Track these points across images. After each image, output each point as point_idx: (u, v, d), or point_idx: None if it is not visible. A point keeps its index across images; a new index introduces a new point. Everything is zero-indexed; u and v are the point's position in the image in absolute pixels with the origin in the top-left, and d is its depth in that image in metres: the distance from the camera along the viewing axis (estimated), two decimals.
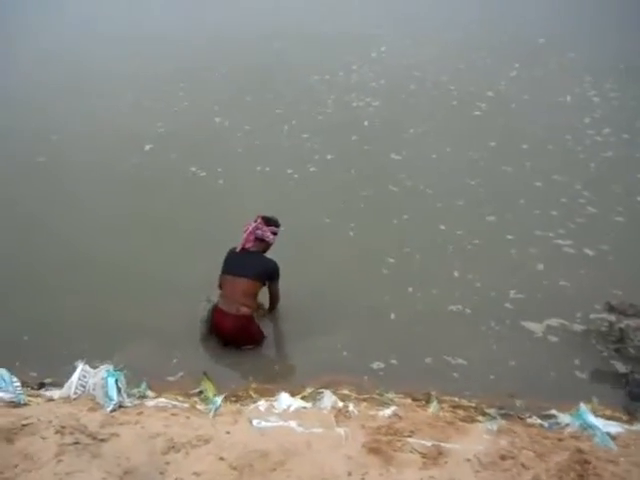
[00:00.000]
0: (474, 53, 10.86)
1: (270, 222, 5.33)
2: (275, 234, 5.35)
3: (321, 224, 6.78)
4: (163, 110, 9.39)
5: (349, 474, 3.30)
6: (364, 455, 3.56)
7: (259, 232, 5.28)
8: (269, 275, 5.29)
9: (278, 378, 5.01)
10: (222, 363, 5.19)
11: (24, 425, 3.46)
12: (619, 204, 6.80)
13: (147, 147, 8.41)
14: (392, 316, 5.53)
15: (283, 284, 5.38)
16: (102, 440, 3.40)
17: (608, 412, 4.40)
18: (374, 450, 3.59)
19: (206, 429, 3.66)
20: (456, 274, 5.99)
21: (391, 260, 6.20)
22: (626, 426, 4.14)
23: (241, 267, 5.24)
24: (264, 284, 5.32)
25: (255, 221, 5.31)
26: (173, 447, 3.42)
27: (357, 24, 12.40)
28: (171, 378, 4.96)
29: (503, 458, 3.51)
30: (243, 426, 3.79)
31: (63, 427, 3.43)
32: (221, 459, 3.30)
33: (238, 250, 5.34)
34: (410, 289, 5.82)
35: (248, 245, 5.30)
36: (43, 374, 4.83)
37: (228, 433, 3.62)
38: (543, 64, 10.34)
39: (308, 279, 5.82)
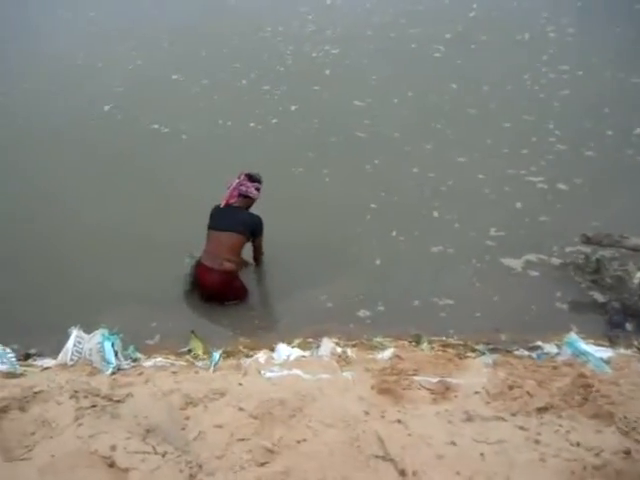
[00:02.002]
0: None
1: (253, 178, 5.33)
2: (258, 190, 5.34)
3: (295, 174, 6.77)
4: (118, 70, 9.09)
5: (367, 413, 3.35)
6: (375, 395, 3.62)
7: (243, 188, 5.26)
8: (253, 229, 5.27)
9: (265, 332, 5.04)
10: (208, 320, 5.20)
11: (36, 393, 3.38)
12: (588, 139, 6.95)
13: (106, 107, 8.17)
14: (377, 262, 5.59)
15: (265, 237, 5.36)
16: (118, 401, 3.36)
17: (591, 340, 4.54)
18: (384, 390, 3.65)
19: (219, 382, 3.65)
20: (436, 214, 6.08)
21: (373, 205, 6.23)
22: (615, 351, 4.30)
23: (226, 222, 5.21)
24: (248, 239, 5.30)
25: (238, 178, 5.29)
26: (190, 402, 3.41)
27: None
28: (157, 338, 4.93)
29: (510, 388, 3.61)
30: (253, 377, 3.81)
31: (76, 391, 3.38)
32: (240, 409, 3.30)
33: (222, 206, 5.29)
34: (394, 233, 5.87)
35: (232, 201, 5.28)
36: (23, 345, 4.73)
37: (241, 385, 3.62)
38: (502, 3, 10.33)
39: (289, 231, 5.81)
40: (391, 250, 5.70)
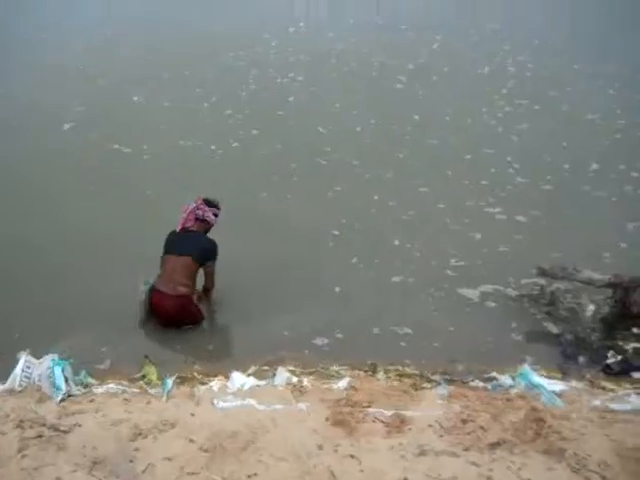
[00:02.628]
0: (395, 26, 10.92)
1: (211, 203, 5.28)
2: (216, 215, 5.29)
3: (258, 198, 6.74)
4: (78, 89, 8.97)
5: (320, 447, 3.31)
6: (329, 428, 3.59)
7: (199, 212, 5.21)
8: (208, 254, 5.18)
9: (220, 358, 4.97)
10: (162, 346, 5.09)
11: None
12: (546, 173, 7.09)
13: (66, 126, 8.04)
14: (337, 289, 5.58)
15: (223, 261, 5.27)
16: (65, 431, 3.27)
17: (544, 372, 4.58)
18: (338, 422, 3.63)
19: (170, 412, 3.59)
20: (396, 242, 6.11)
21: (334, 232, 6.25)
22: (567, 384, 4.35)
23: (182, 246, 5.15)
24: (202, 264, 5.20)
25: (195, 202, 5.24)
26: (140, 433, 3.34)
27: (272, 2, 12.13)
28: (110, 364, 4.80)
29: (464, 422, 3.62)
30: (206, 407, 3.74)
31: (22, 421, 3.27)
32: (191, 441, 3.25)
33: (178, 230, 5.23)
34: (354, 259, 5.89)
35: (188, 224, 5.22)
36: None
37: (193, 415, 3.57)
38: (464, 37, 10.51)
39: (249, 255, 5.77)
40: (352, 277, 5.70)
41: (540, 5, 11.57)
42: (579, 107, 8.32)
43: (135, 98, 8.78)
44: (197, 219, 5.22)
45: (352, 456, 3.24)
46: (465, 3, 11.78)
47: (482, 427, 3.58)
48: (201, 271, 5.25)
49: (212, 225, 5.30)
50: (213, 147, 7.66)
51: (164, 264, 5.17)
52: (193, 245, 5.14)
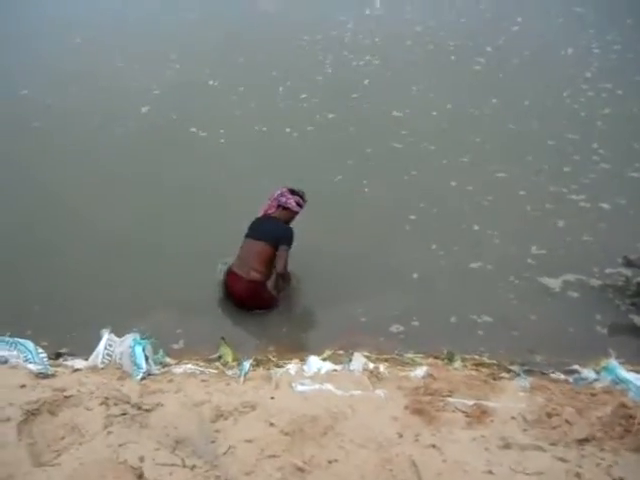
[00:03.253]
0: (474, 7, 10.62)
1: (295, 192, 5.32)
2: (300, 205, 5.32)
3: (334, 182, 6.70)
4: (156, 74, 9.05)
5: (400, 435, 3.27)
6: (409, 416, 3.54)
7: (283, 199, 5.26)
8: (281, 239, 5.13)
9: (295, 342, 4.99)
10: (238, 327, 5.15)
11: (66, 397, 3.36)
12: (633, 160, 6.81)
13: (144, 109, 8.16)
14: (415, 275, 5.51)
15: (301, 246, 5.26)
16: (148, 410, 3.32)
17: (630, 366, 4.40)
18: (418, 411, 3.58)
19: (250, 395, 3.60)
20: (476, 228, 6.00)
21: (412, 217, 6.17)
22: None
23: (260, 231, 5.20)
24: (276, 248, 5.17)
25: (280, 189, 5.32)
26: (221, 415, 3.37)
27: None
28: (187, 344, 4.88)
29: (549, 415, 3.51)
30: (285, 391, 3.74)
31: (107, 398, 3.35)
32: (271, 425, 3.25)
33: (260, 216, 5.31)
34: (433, 246, 5.81)
35: (271, 211, 5.30)
36: (55, 344, 4.68)
37: (273, 398, 3.57)
38: (547, 19, 10.16)
39: (326, 240, 5.75)
40: (430, 263, 5.61)
41: None
42: None
43: (211, 82, 8.82)
44: (279, 206, 5.27)
45: (434, 446, 3.19)
46: None
47: (568, 421, 3.46)
48: None
49: (295, 214, 5.33)
50: (288, 130, 7.63)
51: (242, 246, 5.22)
52: (269, 230, 5.18)
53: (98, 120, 7.93)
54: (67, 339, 4.76)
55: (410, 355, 4.62)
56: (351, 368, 4.25)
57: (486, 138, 7.31)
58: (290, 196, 5.28)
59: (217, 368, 4.41)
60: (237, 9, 11.17)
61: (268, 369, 4.32)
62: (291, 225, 5.30)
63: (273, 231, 5.18)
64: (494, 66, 8.89)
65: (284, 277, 5.31)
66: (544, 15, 10.33)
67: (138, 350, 4.21)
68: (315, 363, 4.31)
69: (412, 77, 8.67)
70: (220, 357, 4.64)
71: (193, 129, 7.68)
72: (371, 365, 4.26)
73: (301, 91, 8.48)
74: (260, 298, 5.24)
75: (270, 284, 5.29)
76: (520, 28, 9.93)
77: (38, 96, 8.46)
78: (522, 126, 7.51)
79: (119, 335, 4.38)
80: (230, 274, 5.22)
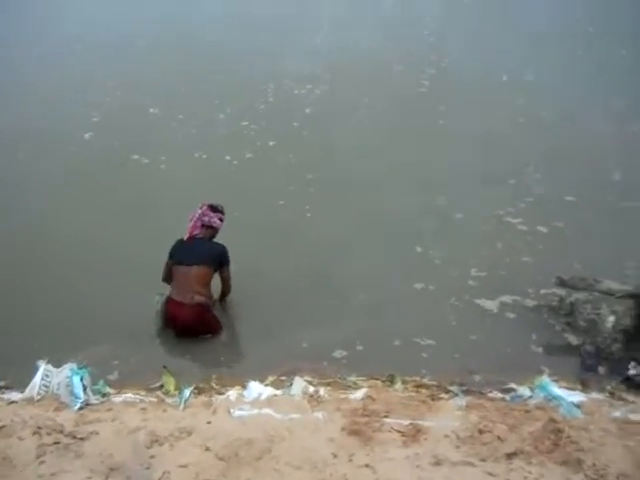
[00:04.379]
0: (418, 32, 10.92)
1: (216, 209, 5.31)
2: (221, 220, 5.33)
3: (276, 207, 6.77)
4: (96, 101, 9.07)
5: (335, 456, 3.31)
6: (345, 437, 3.58)
7: (206, 219, 5.25)
8: (219, 260, 5.22)
9: (238, 368, 4.98)
10: (180, 356, 5.12)
11: None
12: (569, 184, 7.02)
13: (87, 135, 8.11)
14: (359, 298, 5.58)
15: (244, 271, 5.32)
16: (82, 439, 3.30)
17: (563, 383, 4.53)
18: (354, 432, 3.62)
19: (186, 421, 3.60)
20: (419, 250, 6.12)
21: (354, 240, 6.27)
22: (587, 395, 4.30)
23: (193, 255, 5.17)
24: (216, 270, 5.24)
25: (200, 208, 5.28)
26: (156, 441, 3.36)
27: (293, 11, 12.13)
28: (128, 373, 4.82)
29: (481, 432, 3.59)
30: (222, 416, 3.75)
31: (40, 427, 3.31)
32: (207, 450, 3.26)
33: (186, 239, 5.27)
34: (377, 269, 5.91)
35: (196, 232, 5.26)
36: None
37: (209, 423, 3.58)
38: (487, 43, 10.49)
39: (269, 264, 5.80)
40: (374, 287, 5.69)
41: None
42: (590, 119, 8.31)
43: (151, 110, 8.86)
44: (204, 225, 5.27)
45: (367, 465, 3.24)
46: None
47: (499, 437, 3.55)
48: (216, 277, 5.29)
49: (218, 230, 5.35)
50: (228, 158, 7.70)
51: (177, 275, 5.20)
52: (205, 253, 5.19)
53: (41, 145, 7.89)
54: (3, 372, 4.66)
55: (352, 378, 4.67)
56: (292, 393, 4.28)
57: (427, 163, 7.50)
58: (212, 214, 5.27)
59: (158, 397, 4.38)
60: (179, 38, 11.20)
61: (210, 396, 4.31)
62: (221, 241, 5.31)
63: (210, 253, 5.19)
64: (438, 89, 9.14)
65: (226, 297, 5.44)
66: (485, 40, 10.62)
67: (76, 380, 4.16)
68: (256, 388, 4.33)
69: (354, 103, 8.87)
70: (162, 386, 4.61)
71: (135, 156, 7.71)
72: (311, 389, 4.30)
73: (242, 119, 8.58)
74: (207, 322, 5.23)
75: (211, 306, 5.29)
76: (461, 52, 10.22)
77: None
78: (462, 150, 7.72)
79: (57, 366, 4.32)
80: (171, 303, 5.19)
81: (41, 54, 10.61)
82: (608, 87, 9.09)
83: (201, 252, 5.17)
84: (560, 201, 6.80)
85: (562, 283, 5.35)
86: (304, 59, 10.27)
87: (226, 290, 5.43)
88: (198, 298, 5.10)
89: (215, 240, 5.34)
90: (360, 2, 12.12)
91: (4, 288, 5.66)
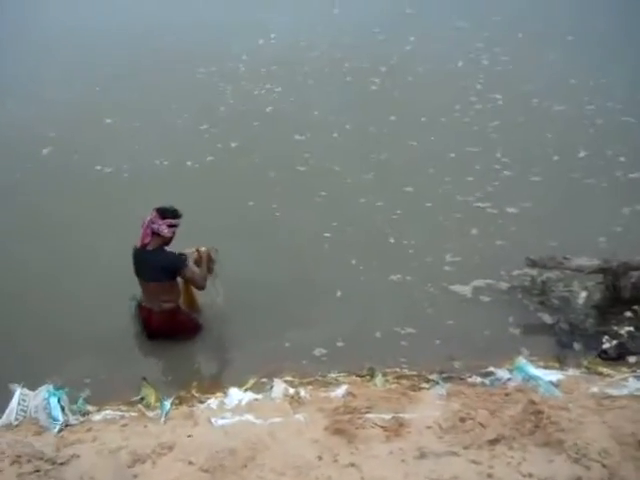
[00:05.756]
0: (367, 30, 10.77)
1: (166, 214, 4.86)
2: (172, 226, 4.89)
3: (245, 207, 6.71)
4: (48, 114, 8.86)
5: (320, 458, 3.30)
6: (329, 437, 3.59)
7: (155, 226, 4.83)
8: (171, 270, 4.94)
9: (219, 374, 5.00)
10: (159, 365, 5.10)
11: None
12: (534, 165, 7.05)
13: (45, 151, 7.99)
14: (338, 294, 5.56)
15: (219, 275, 5.22)
16: (62, 464, 3.25)
17: (541, 363, 4.59)
18: (337, 431, 3.63)
19: (167, 436, 3.57)
20: (392, 240, 6.12)
21: (327, 235, 6.24)
22: (565, 372, 4.35)
23: (147, 272, 4.96)
24: (174, 278, 5.03)
25: (151, 214, 4.88)
26: (138, 459, 3.32)
27: (242, 12, 11.99)
28: (108, 388, 4.73)
29: (462, 420, 3.61)
30: (203, 427, 3.73)
31: (19, 456, 3.25)
32: (190, 463, 3.23)
33: (138, 247, 4.97)
34: (353, 262, 5.89)
35: (146, 240, 4.89)
36: None
37: (190, 436, 3.55)
38: (440, 35, 10.42)
39: (244, 267, 5.68)
40: (351, 281, 5.67)
41: None
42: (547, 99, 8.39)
43: (107, 120, 8.74)
44: (154, 233, 4.85)
45: (352, 464, 3.25)
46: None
47: (481, 424, 3.58)
48: None
49: (170, 238, 4.93)
50: (189, 163, 7.63)
51: (141, 285, 5.09)
52: (156, 269, 4.89)
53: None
54: None
55: (333, 375, 4.67)
56: (272, 396, 4.27)
57: (388, 155, 7.49)
58: (161, 221, 4.81)
59: (139, 411, 4.33)
60: (128, 45, 10.99)
61: (191, 406, 4.28)
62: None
63: (161, 268, 4.90)
64: (389, 85, 9.12)
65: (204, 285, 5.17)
66: (435, 32, 10.56)
67: (53, 401, 4.12)
68: (236, 395, 4.32)
69: (312, 101, 8.79)
70: (142, 399, 4.56)
71: (98, 167, 7.60)
72: (292, 390, 4.29)
73: (201, 122, 8.49)
74: (180, 323, 5.16)
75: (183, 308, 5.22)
76: (412, 47, 10.18)
77: None
78: (421, 141, 7.71)
79: (33, 388, 4.25)
80: (142, 309, 5.14)
81: None
82: (566, 66, 9.13)
83: (153, 267, 4.90)
84: (527, 182, 6.83)
85: (532, 263, 5.37)
86: (260, 60, 10.14)
87: (199, 287, 5.14)
88: (166, 306, 5.03)
89: (173, 247, 5.00)
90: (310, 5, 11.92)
91: None
